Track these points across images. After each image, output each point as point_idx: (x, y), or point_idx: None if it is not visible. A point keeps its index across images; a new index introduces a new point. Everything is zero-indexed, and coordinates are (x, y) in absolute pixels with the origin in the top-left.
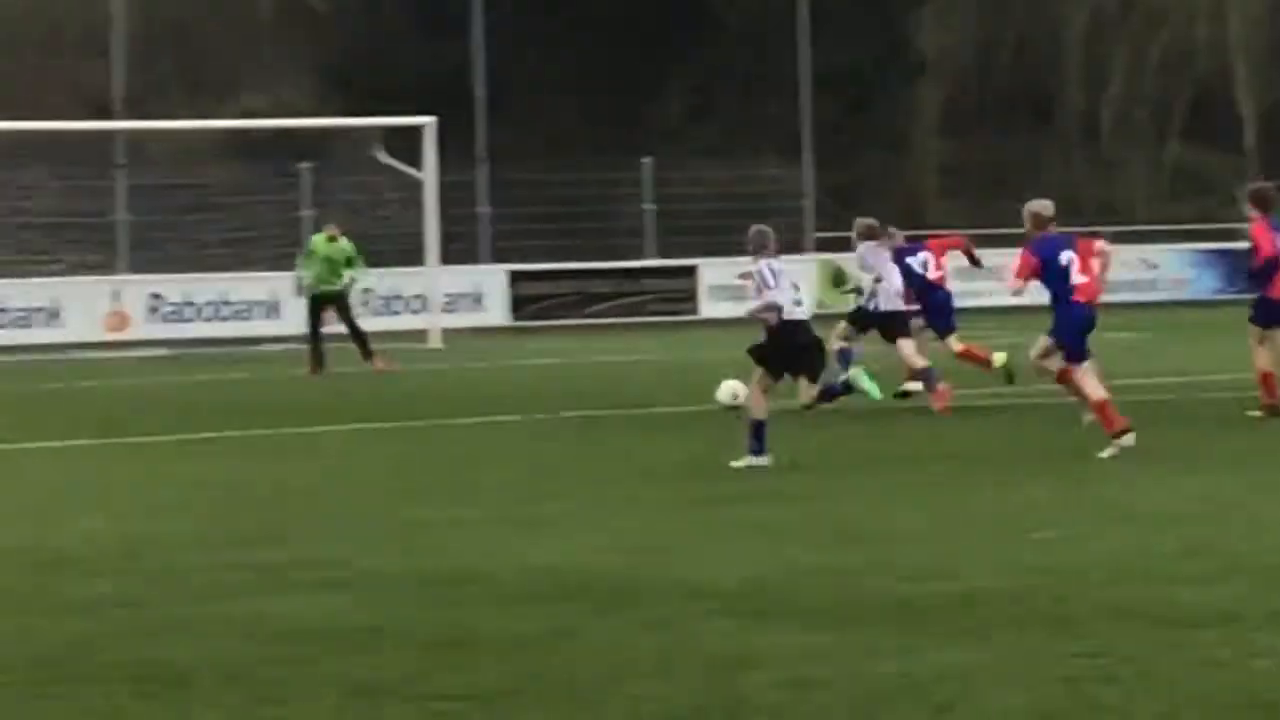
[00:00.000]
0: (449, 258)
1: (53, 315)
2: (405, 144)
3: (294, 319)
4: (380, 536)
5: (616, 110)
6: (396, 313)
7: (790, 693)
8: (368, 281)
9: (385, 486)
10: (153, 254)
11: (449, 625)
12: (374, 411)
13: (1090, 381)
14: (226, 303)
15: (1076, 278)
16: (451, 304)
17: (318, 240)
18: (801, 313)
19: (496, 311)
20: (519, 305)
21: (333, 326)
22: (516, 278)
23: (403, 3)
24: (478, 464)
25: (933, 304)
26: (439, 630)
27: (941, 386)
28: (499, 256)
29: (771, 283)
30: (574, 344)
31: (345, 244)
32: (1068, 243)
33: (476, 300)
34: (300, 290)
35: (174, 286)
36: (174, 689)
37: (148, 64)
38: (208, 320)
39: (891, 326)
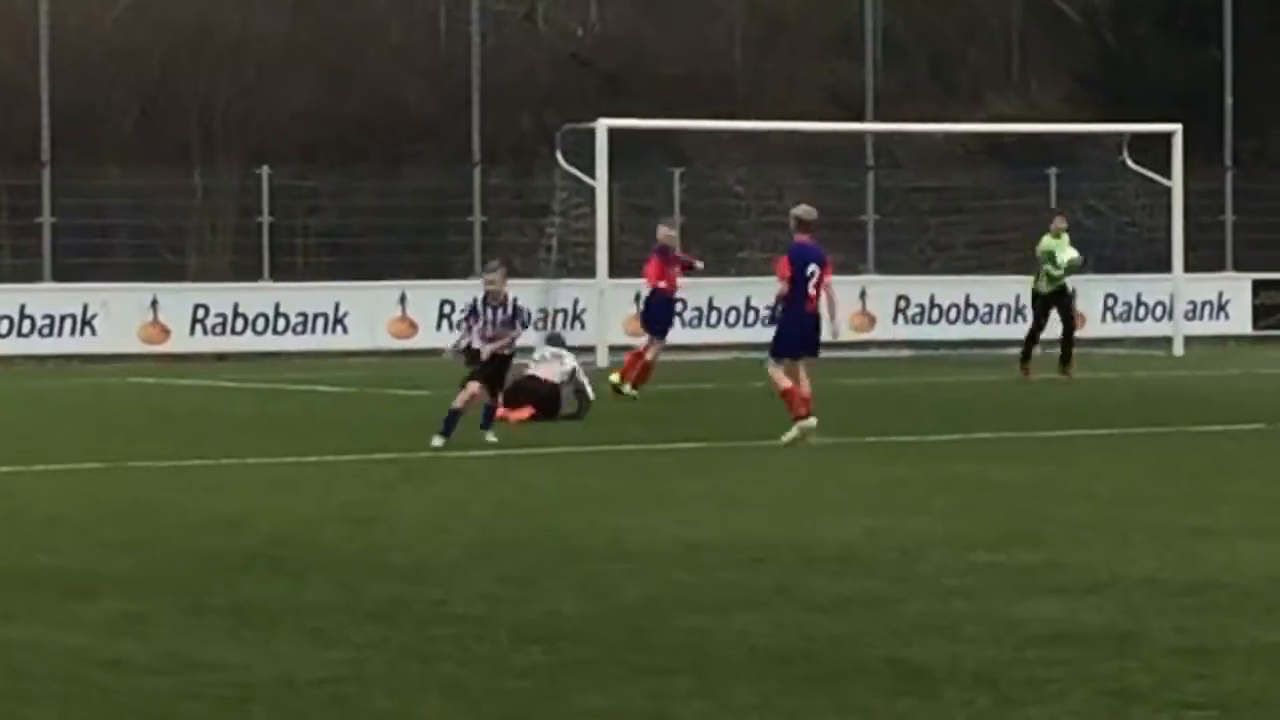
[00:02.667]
0: (1193, 265)
1: None
2: (1153, 151)
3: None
4: (1131, 542)
5: None
6: (1140, 319)
7: None
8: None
9: (1136, 492)
10: (898, 255)
11: (1196, 633)
12: (1115, 417)
13: (779, 374)
14: (970, 305)
15: (812, 289)
16: (1194, 311)
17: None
18: None
19: (1239, 320)
20: (1260, 314)
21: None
22: (1259, 286)
23: (1154, 10)
24: (1226, 472)
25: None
26: (1187, 638)
27: None
28: (1242, 265)
29: None
30: None
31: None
32: (818, 256)
33: (1220, 308)
34: None
35: (919, 288)
36: (923, 688)
37: (899, 66)
38: (951, 323)
39: None
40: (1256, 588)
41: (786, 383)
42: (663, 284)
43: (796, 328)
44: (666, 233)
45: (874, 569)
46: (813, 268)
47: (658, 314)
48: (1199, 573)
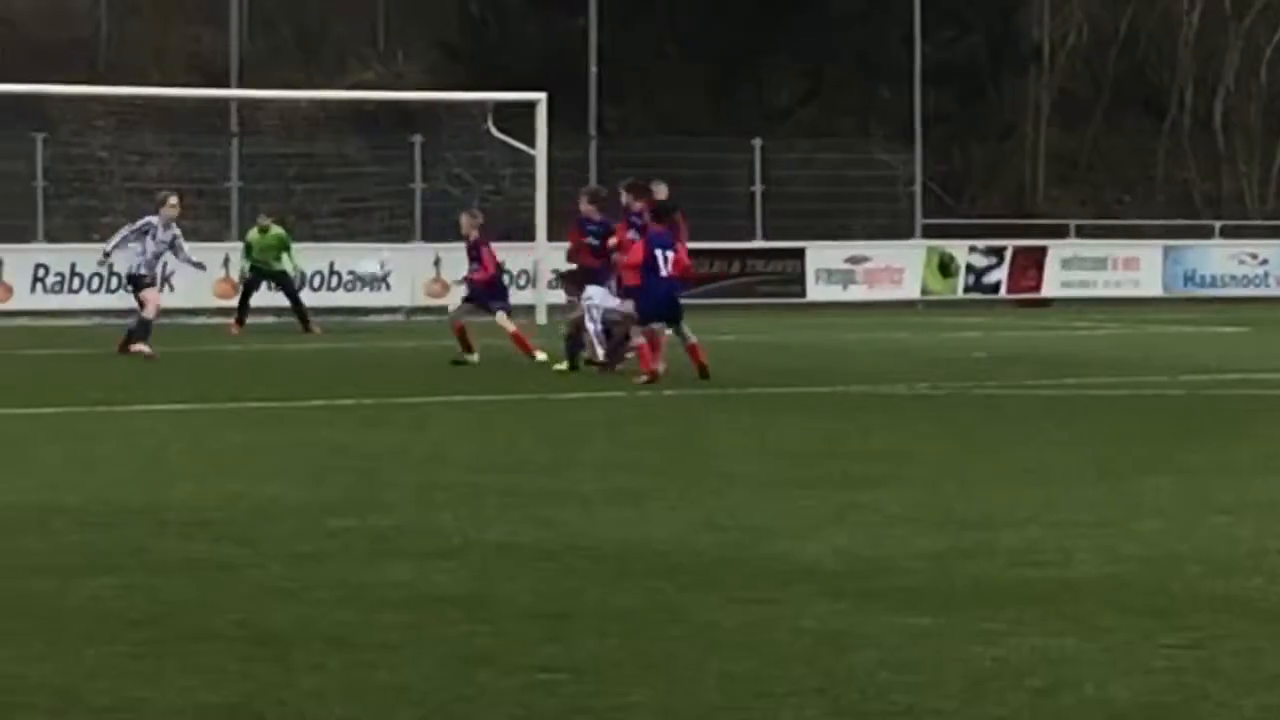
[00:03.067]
0: (557, 233)
1: None
2: (519, 120)
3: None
4: (486, 507)
5: (726, 90)
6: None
7: (889, 674)
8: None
9: (492, 459)
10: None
11: (550, 597)
12: (475, 386)
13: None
14: (335, 272)
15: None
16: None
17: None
18: None
19: None
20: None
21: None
22: None
23: None
24: (583, 439)
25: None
26: (540, 601)
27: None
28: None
29: None
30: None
31: (279, 232)
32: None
33: None
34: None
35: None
36: (275, 652)
37: (265, 34)
38: (315, 290)
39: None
40: (609, 551)
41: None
42: None
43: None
44: None
45: (226, 533)
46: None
47: None
48: (553, 537)
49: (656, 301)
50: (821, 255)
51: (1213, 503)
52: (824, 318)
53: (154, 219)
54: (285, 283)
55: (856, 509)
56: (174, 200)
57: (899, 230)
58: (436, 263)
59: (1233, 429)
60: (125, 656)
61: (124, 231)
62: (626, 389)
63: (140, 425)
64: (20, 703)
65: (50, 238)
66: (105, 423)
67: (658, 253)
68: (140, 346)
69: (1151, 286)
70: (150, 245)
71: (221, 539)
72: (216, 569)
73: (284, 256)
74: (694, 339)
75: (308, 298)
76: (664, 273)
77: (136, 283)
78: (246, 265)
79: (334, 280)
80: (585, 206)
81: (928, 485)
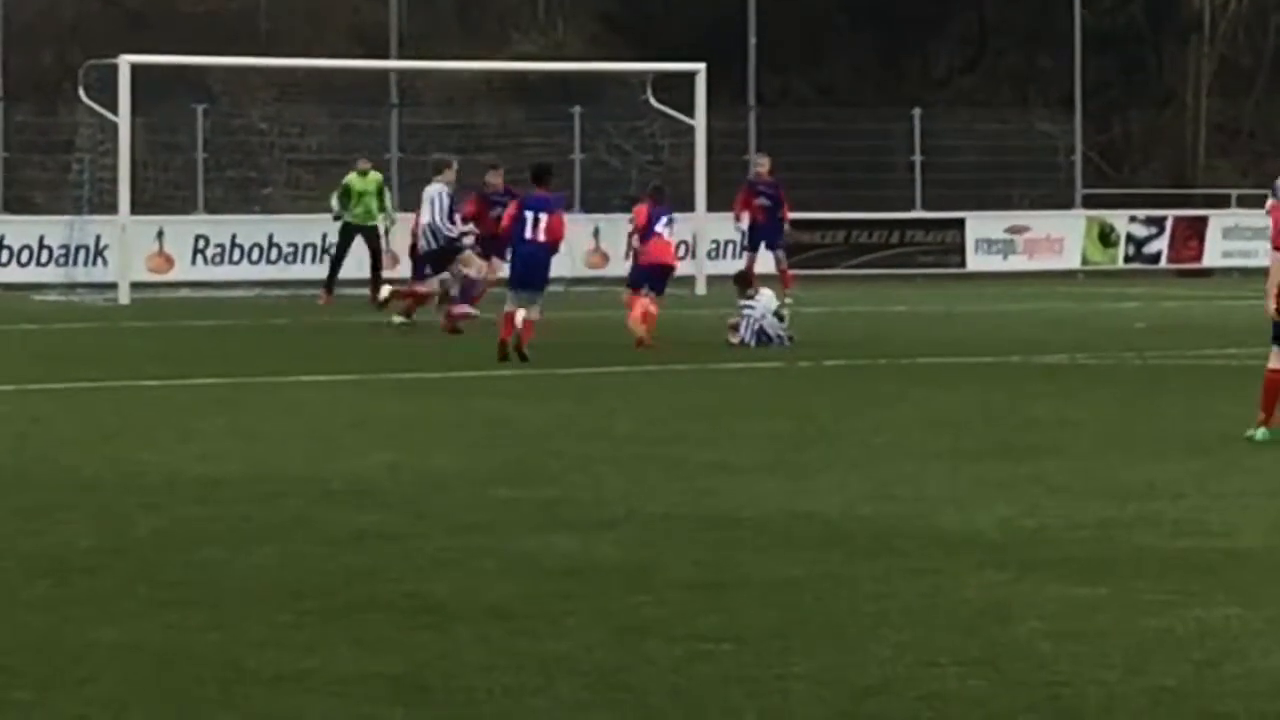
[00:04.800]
0: (717, 204)
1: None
2: (677, 90)
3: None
4: (648, 478)
5: (886, 58)
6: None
7: (1052, 644)
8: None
9: (653, 431)
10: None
11: (712, 567)
12: (634, 356)
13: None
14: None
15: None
16: (718, 250)
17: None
18: None
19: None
20: (787, 253)
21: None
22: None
23: None
24: (743, 410)
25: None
26: (703, 572)
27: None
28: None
29: None
30: (841, 294)
31: (377, 176)
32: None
33: (742, 248)
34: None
35: None
36: (439, 622)
37: (424, 5)
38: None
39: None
40: (773, 522)
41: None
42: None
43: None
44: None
45: (392, 503)
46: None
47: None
48: (715, 508)
49: (517, 265)
50: (981, 225)
51: None
52: (984, 288)
53: (440, 186)
54: (374, 243)
55: (1019, 479)
56: (454, 164)
57: (1059, 200)
58: (596, 233)
59: None
60: (290, 627)
61: (434, 207)
62: (785, 359)
63: (302, 396)
64: (188, 673)
65: (210, 209)
66: (267, 394)
67: (528, 214)
68: (467, 308)
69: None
70: (441, 210)
71: (385, 509)
72: (380, 539)
73: (381, 202)
74: (535, 316)
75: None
76: (528, 236)
77: (450, 249)
78: (339, 209)
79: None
80: (492, 178)
81: (1090, 455)
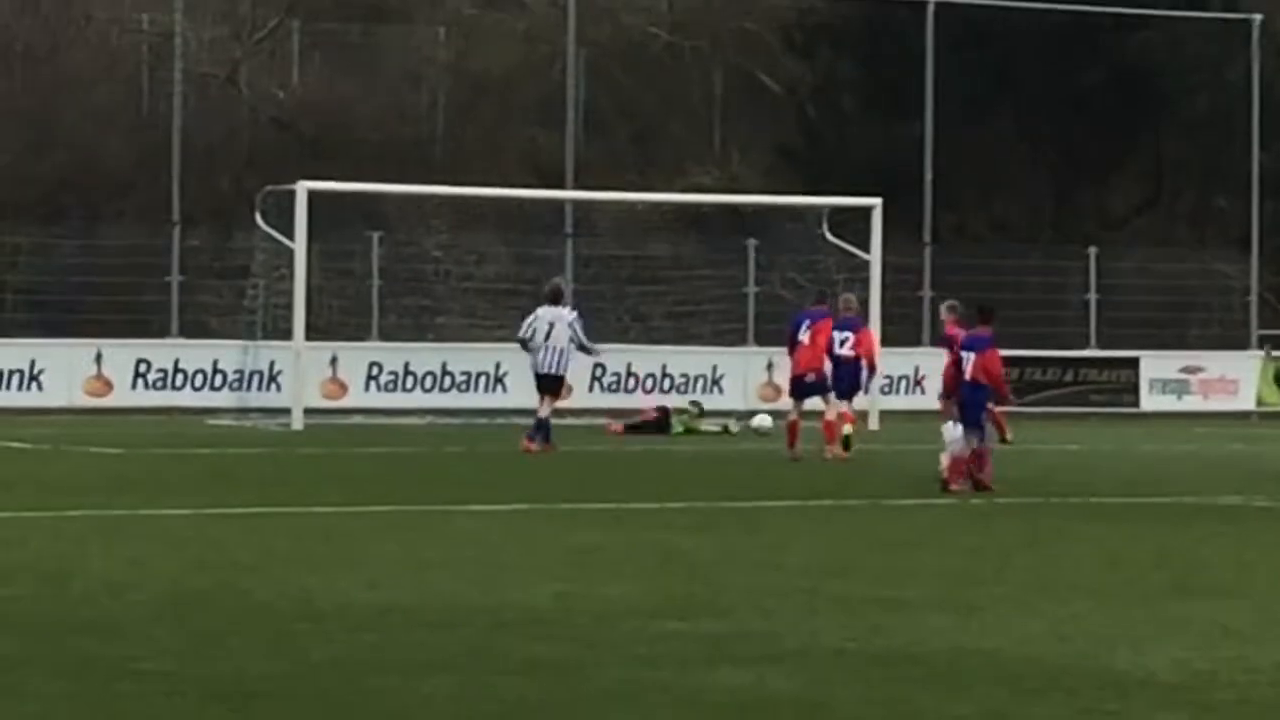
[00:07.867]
0: (891, 339)
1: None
2: (852, 225)
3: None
4: (819, 612)
5: (1062, 196)
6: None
7: None
8: None
9: (824, 564)
10: (596, 324)
11: (883, 704)
12: (805, 489)
13: None
14: (666, 375)
15: None
16: (890, 385)
17: None
18: None
19: (935, 394)
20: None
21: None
22: None
23: (856, 84)
24: (915, 545)
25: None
26: (874, 709)
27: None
28: (940, 340)
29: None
30: (1014, 431)
31: None
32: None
33: (915, 382)
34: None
35: (616, 357)
36: None
37: (601, 136)
38: (648, 393)
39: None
40: (943, 660)
41: None
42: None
43: None
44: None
45: (564, 634)
46: None
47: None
48: (887, 644)
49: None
50: (1156, 364)
51: None
52: (1157, 427)
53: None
54: None
55: (1194, 620)
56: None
57: (1234, 340)
58: (769, 366)
59: None
60: None
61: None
62: (958, 497)
63: (473, 526)
64: None
65: (384, 336)
66: (438, 521)
67: None
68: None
69: None
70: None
71: (558, 640)
72: (553, 670)
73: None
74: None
75: (631, 399)
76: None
77: None
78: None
79: (666, 383)
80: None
81: (1266, 598)
